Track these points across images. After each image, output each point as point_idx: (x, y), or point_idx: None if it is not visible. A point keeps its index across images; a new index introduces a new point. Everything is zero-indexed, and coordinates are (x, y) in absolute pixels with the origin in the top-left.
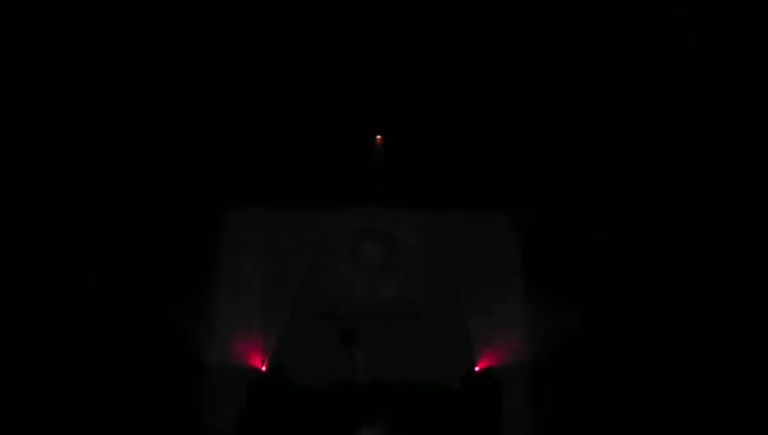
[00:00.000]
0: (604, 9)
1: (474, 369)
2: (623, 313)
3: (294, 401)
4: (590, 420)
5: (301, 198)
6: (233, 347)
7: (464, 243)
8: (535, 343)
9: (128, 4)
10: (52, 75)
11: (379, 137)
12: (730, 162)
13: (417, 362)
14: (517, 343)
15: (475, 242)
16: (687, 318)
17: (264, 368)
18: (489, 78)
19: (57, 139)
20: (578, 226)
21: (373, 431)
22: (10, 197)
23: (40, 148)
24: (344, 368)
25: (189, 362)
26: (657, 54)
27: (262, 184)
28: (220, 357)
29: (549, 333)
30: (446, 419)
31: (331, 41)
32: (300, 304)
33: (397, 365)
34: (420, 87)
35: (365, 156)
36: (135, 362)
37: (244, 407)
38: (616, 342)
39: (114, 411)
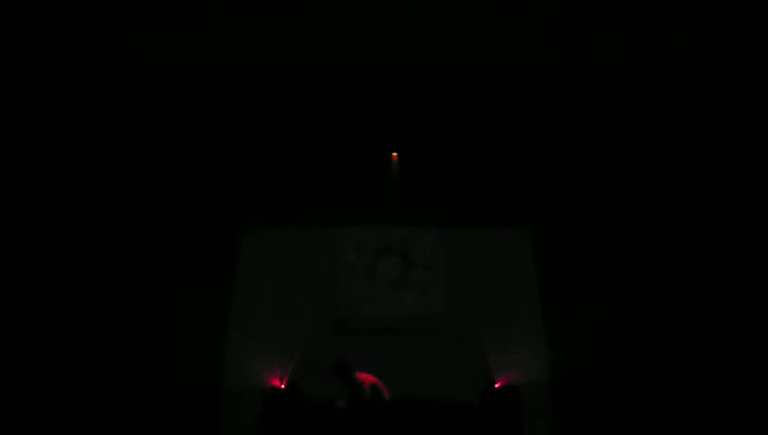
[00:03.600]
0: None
1: (493, 385)
2: (643, 328)
3: (312, 418)
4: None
5: (318, 215)
6: (251, 365)
7: (481, 259)
8: (554, 358)
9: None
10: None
11: (395, 154)
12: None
13: (435, 378)
14: (536, 359)
15: (492, 258)
16: (712, 331)
17: (282, 386)
18: (506, 93)
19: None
20: (596, 240)
21: None
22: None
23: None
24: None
25: (208, 381)
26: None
27: (279, 201)
28: (238, 375)
29: (568, 348)
30: None
31: (346, 57)
32: (318, 320)
33: (414, 381)
34: (437, 104)
35: (382, 173)
36: (152, 382)
37: (263, 424)
38: (636, 357)
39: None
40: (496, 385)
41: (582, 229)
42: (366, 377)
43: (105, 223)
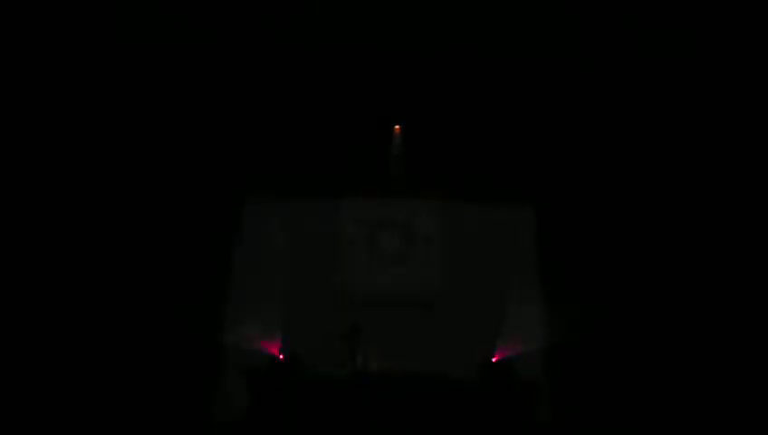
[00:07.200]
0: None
1: (491, 360)
2: (639, 303)
3: (308, 390)
4: (606, 411)
5: (320, 187)
6: (251, 335)
7: (481, 233)
8: (552, 333)
9: None
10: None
11: (397, 127)
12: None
13: (434, 352)
14: (534, 334)
15: (492, 232)
16: (704, 309)
17: (281, 356)
18: (509, 69)
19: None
20: (598, 219)
21: (386, 422)
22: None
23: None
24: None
25: (209, 350)
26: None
27: (281, 174)
28: (238, 345)
29: (565, 324)
30: (462, 410)
31: (351, 29)
32: (318, 292)
33: (413, 355)
34: (440, 77)
35: (384, 146)
36: (154, 350)
37: (259, 393)
38: (632, 333)
39: (132, 398)
40: (494, 359)
41: (586, 208)
42: None
43: (101, 195)
